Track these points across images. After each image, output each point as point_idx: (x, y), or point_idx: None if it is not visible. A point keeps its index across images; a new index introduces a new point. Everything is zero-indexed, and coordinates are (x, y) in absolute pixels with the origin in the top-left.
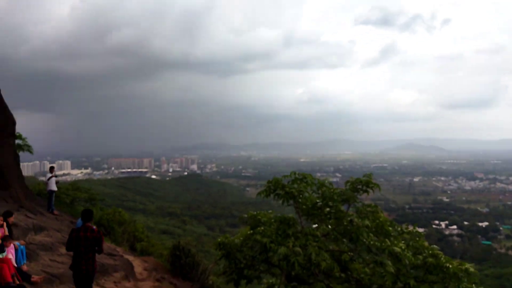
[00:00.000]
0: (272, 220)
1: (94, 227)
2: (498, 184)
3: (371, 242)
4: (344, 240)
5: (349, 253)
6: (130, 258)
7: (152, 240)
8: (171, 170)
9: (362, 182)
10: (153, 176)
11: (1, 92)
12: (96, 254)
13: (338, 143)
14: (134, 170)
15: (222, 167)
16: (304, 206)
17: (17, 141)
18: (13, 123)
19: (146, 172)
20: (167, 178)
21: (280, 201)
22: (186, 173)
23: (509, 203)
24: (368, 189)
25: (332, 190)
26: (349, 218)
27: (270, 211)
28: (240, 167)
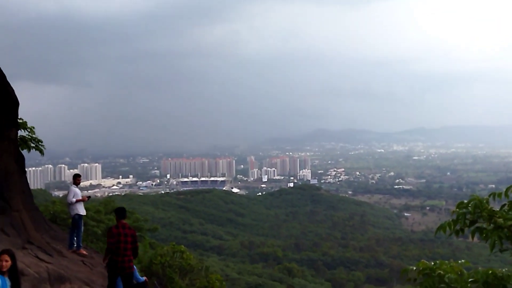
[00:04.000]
0: (469, 279)
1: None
2: None
3: None
4: None
5: None
6: None
7: None
8: (265, 178)
9: None
10: (235, 190)
11: None
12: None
13: None
14: (203, 179)
15: (357, 173)
16: None
17: (19, 133)
18: (14, 104)
19: (223, 183)
20: (259, 194)
21: (487, 242)
22: (291, 185)
23: None
24: None
25: None
26: None
27: (462, 260)
28: (392, 173)
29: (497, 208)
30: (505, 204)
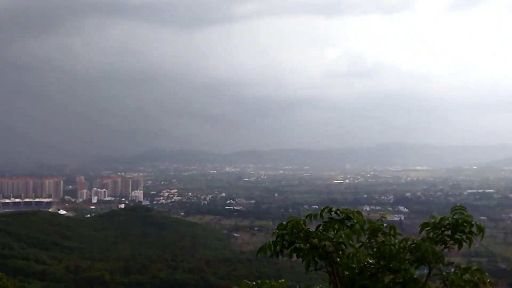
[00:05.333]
0: None
1: None
2: None
3: None
4: None
5: None
6: None
7: None
8: (95, 200)
9: (450, 224)
10: (62, 211)
11: None
12: None
13: (404, 150)
14: (26, 200)
15: (190, 194)
16: (346, 272)
17: None
18: None
19: (49, 204)
20: (88, 215)
21: (303, 262)
22: (122, 206)
23: None
24: (464, 238)
25: (397, 242)
26: None
27: (282, 280)
28: (223, 194)
29: (313, 228)
30: (320, 225)
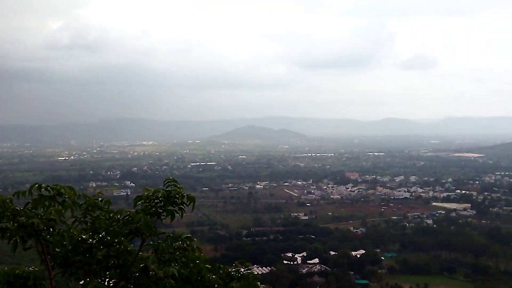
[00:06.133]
0: None
1: None
2: (380, 189)
3: None
4: None
5: None
6: None
7: None
8: None
9: (164, 195)
10: None
11: None
12: None
13: (129, 126)
14: None
15: None
16: (58, 249)
17: None
18: None
19: None
20: None
21: (9, 243)
22: None
23: (394, 217)
24: (175, 209)
25: (110, 214)
26: (141, 265)
27: None
28: None
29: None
30: (29, 202)
